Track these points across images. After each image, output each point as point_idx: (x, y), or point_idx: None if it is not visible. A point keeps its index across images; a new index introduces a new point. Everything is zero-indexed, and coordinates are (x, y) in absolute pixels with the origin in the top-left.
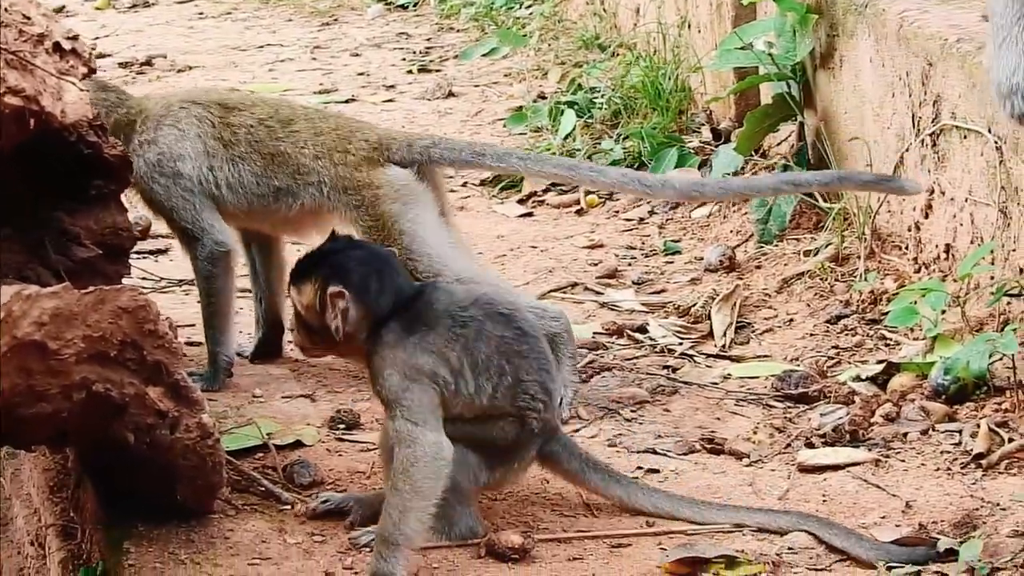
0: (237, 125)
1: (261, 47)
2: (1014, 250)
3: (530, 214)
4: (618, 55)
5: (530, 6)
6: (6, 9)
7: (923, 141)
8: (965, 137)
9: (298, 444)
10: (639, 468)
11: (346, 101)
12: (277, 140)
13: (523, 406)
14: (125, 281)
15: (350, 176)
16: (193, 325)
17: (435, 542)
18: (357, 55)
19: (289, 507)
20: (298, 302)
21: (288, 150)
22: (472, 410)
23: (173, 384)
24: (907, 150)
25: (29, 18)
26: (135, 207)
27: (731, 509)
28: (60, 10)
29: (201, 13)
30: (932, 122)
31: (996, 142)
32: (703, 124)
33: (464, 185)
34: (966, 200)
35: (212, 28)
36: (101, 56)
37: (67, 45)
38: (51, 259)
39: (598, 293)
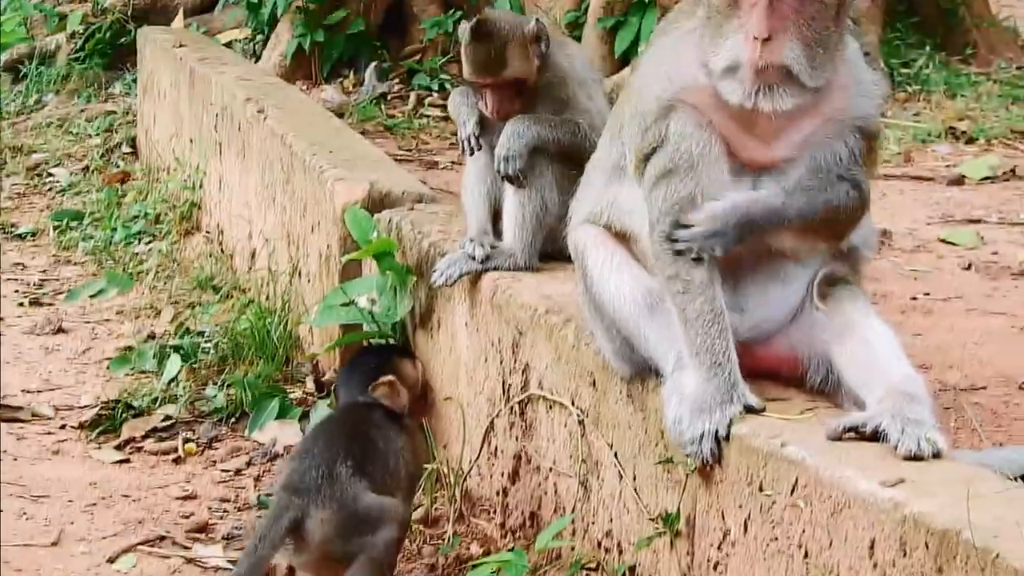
0: None
1: None
2: (593, 523)
3: (127, 460)
4: (232, 297)
5: (150, 242)
6: None
7: (512, 408)
8: (551, 408)
9: None
10: None
11: None
12: None
13: None
14: None
15: None
16: None
17: None
18: None
19: None
20: None
21: None
22: None
23: None
24: (497, 415)
25: None
26: None
27: None
28: None
29: None
30: (521, 390)
31: (578, 415)
32: (308, 374)
33: (63, 427)
34: (550, 470)
35: None
36: None
37: None
38: None
39: (185, 548)
